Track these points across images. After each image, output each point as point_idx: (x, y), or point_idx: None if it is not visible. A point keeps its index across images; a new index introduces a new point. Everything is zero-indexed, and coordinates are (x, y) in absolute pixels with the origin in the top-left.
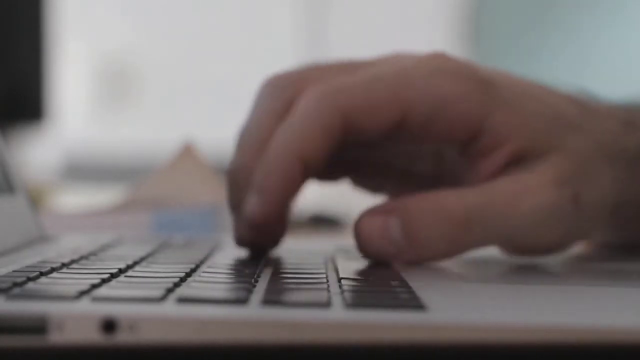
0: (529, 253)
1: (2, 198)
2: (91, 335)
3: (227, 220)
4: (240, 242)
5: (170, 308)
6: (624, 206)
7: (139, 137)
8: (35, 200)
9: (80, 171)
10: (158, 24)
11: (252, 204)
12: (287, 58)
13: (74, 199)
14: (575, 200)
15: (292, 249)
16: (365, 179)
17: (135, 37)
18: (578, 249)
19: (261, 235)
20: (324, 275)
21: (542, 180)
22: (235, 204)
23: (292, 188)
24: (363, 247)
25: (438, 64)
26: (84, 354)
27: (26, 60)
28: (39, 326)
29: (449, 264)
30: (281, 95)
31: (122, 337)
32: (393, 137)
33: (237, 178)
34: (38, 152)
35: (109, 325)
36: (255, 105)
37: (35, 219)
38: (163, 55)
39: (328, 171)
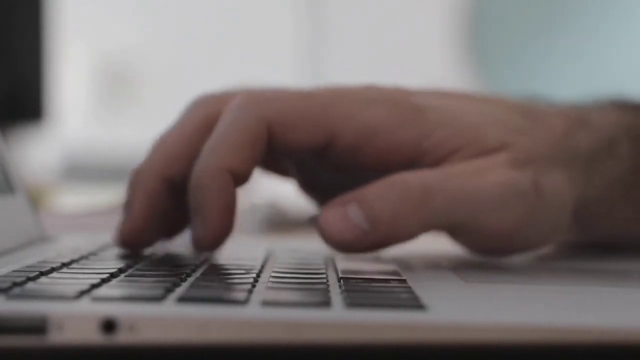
0: (492, 242)
1: (2, 198)
2: (91, 335)
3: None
4: (127, 245)
5: (170, 308)
6: (584, 207)
7: (139, 137)
8: (35, 200)
9: (80, 171)
10: (158, 24)
11: (197, 232)
12: (287, 59)
13: (74, 199)
14: (536, 187)
15: (292, 249)
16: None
17: (135, 38)
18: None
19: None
20: (324, 275)
21: (500, 162)
22: (126, 202)
23: (230, 204)
24: (328, 240)
25: (370, 93)
26: (84, 354)
27: (26, 60)
28: (39, 326)
29: (449, 264)
30: (202, 109)
31: (122, 337)
32: (323, 156)
33: (135, 178)
34: (38, 152)
35: (109, 325)
36: (175, 120)
37: (35, 219)
38: (163, 56)
39: (270, 168)
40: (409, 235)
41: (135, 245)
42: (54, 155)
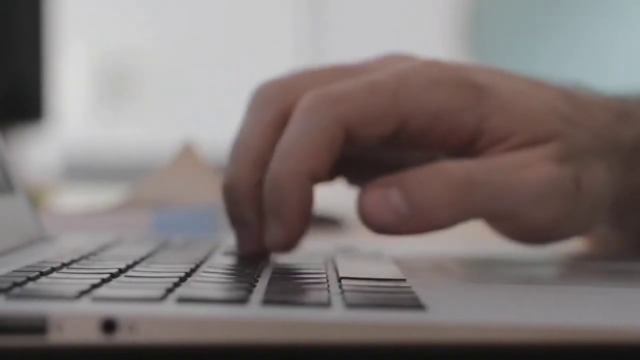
0: (530, 234)
1: (2, 198)
2: (91, 335)
3: (226, 220)
4: (248, 254)
5: (170, 308)
6: (623, 199)
7: (139, 137)
8: (35, 200)
9: (80, 171)
10: (158, 24)
11: (274, 234)
12: (288, 58)
13: (74, 199)
14: (577, 183)
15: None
16: (359, 177)
17: (135, 38)
18: (577, 246)
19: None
20: (324, 275)
21: (543, 156)
22: (236, 218)
23: (309, 207)
24: (368, 222)
25: (434, 73)
26: (84, 354)
27: (26, 60)
28: (39, 326)
29: (449, 264)
30: (274, 105)
31: (122, 337)
32: (389, 143)
33: (235, 193)
34: (38, 152)
35: (109, 325)
36: (247, 116)
37: (35, 219)
38: (163, 55)
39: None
40: (448, 224)
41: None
42: (54, 155)
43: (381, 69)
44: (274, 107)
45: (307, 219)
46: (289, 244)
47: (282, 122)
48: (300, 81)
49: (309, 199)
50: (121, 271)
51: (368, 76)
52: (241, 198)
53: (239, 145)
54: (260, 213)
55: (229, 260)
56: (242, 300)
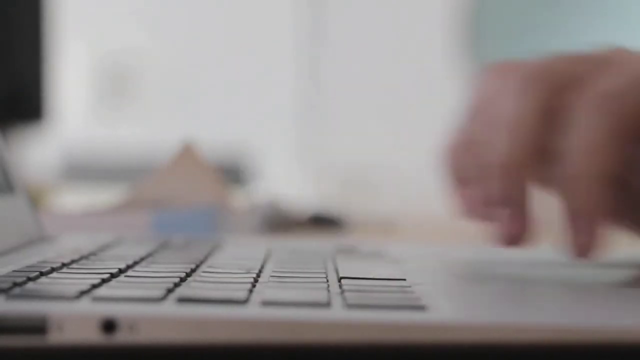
0: None
1: (2, 198)
2: (91, 335)
3: (226, 220)
4: (519, 244)
5: (170, 308)
6: None
7: (139, 137)
8: (35, 200)
9: (80, 171)
10: (158, 24)
11: (582, 237)
12: (288, 59)
13: (74, 199)
14: None
15: (292, 249)
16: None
17: (135, 38)
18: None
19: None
20: (324, 275)
21: None
22: (506, 197)
23: (605, 209)
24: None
25: None
26: (84, 354)
27: (26, 60)
28: (39, 326)
29: (449, 264)
30: (545, 91)
31: (122, 337)
32: None
33: (512, 173)
34: (38, 152)
35: (109, 325)
36: (516, 97)
37: (35, 219)
38: (163, 55)
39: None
40: None
41: (521, 242)
42: (54, 155)
43: (620, 62)
44: (546, 93)
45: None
46: (589, 247)
47: (550, 107)
48: (561, 69)
49: (607, 202)
50: (121, 271)
51: (626, 70)
52: (517, 179)
53: (514, 125)
54: (527, 196)
55: (229, 260)
56: (242, 300)
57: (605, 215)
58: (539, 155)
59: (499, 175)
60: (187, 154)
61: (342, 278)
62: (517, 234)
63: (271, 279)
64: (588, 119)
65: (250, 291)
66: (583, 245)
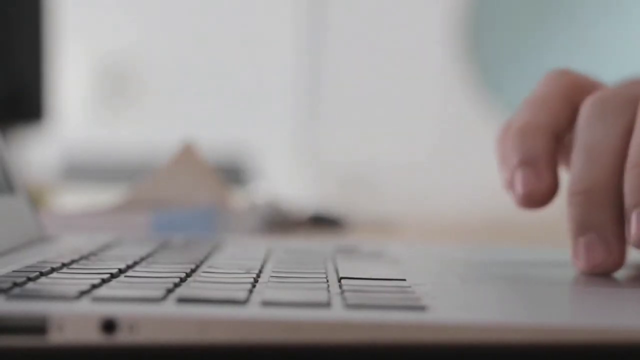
0: None
1: (2, 198)
2: (91, 336)
3: (226, 220)
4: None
5: (170, 308)
6: None
7: (138, 137)
8: (35, 200)
9: (80, 171)
10: (158, 24)
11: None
12: (287, 60)
13: (74, 199)
14: None
15: (292, 249)
16: None
17: (135, 38)
18: None
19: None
20: (324, 275)
21: None
22: (591, 222)
23: None
24: None
25: None
26: (84, 354)
27: (26, 60)
28: (39, 326)
29: (449, 264)
30: (625, 115)
31: (122, 337)
32: None
33: (596, 197)
34: (38, 152)
35: (109, 325)
36: (598, 123)
37: (35, 219)
38: (163, 55)
39: None
40: None
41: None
42: (54, 155)
43: None
44: (626, 117)
45: None
46: (613, 266)
47: (629, 131)
48: (635, 94)
49: None
50: (121, 271)
51: None
52: (604, 202)
53: (597, 149)
54: (621, 219)
55: (229, 260)
56: (242, 301)
57: None
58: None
59: (579, 202)
60: (187, 154)
61: (342, 278)
62: (598, 262)
63: (271, 279)
64: None
65: (250, 291)
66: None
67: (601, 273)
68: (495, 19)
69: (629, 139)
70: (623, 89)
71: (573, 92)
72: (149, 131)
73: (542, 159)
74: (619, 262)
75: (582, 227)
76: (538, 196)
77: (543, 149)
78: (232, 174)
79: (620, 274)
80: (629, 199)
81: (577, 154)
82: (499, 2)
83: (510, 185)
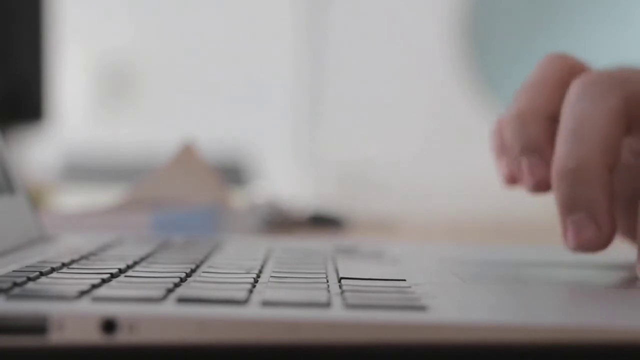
0: None
1: (2, 198)
2: (91, 335)
3: (226, 220)
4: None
5: (170, 308)
6: None
7: (138, 137)
8: (35, 200)
9: (80, 171)
10: (158, 24)
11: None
12: (287, 57)
13: (74, 199)
14: None
15: (292, 249)
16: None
17: (135, 38)
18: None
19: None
20: (324, 275)
21: None
22: (580, 200)
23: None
24: None
25: None
26: (84, 354)
27: (26, 60)
28: (39, 326)
29: (448, 264)
30: (617, 94)
31: (122, 337)
32: None
33: (585, 175)
34: (38, 152)
35: (109, 325)
36: (589, 103)
37: (35, 219)
38: (163, 56)
39: None
40: None
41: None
42: (54, 155)
43: None
44: (612, 98)
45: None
46: (605, 243)
47: (626, 110)
48: (627, 77)
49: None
50: (121, 271)
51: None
52: (592, 180)
53: (583, 128)
54: (610, 197)
55: (229, 260)
56: (242, 301)
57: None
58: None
59: (568, 180)
60: (187, 154)
61: (342, 278)
62: (586, 240)
63: (271, 279)
64: None
65: (250, 291)
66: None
67: (590, 251)
68: (494, 20)
69: (615, 118)
70: (610, 71)
71: (569, 75)
72: (149, 131)
73: (545, 144)
74: (608, 239)
75: (570, 205)
76: (548, 182)
77: (544, 133)
78: (232, 174)
79: (620, 275)
80: None
81: (563, 133)
82: (498, 2)
83: (510, 178)
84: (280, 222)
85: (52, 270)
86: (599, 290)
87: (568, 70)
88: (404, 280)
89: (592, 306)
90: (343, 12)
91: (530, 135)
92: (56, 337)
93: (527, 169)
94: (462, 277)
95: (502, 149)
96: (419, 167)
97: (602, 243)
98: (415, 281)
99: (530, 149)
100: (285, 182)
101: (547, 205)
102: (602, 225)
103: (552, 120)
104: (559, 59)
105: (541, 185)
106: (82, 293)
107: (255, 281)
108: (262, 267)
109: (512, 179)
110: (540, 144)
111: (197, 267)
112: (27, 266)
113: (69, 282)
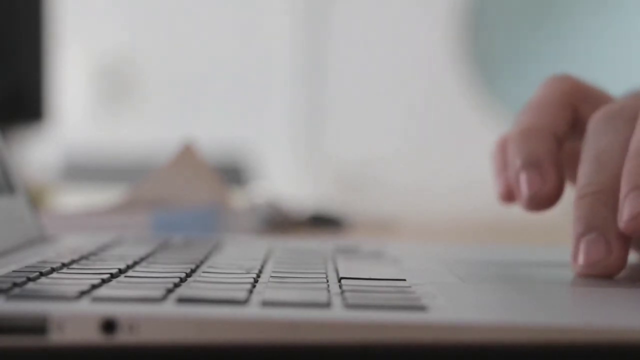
0: None
1: (2, 198)
2: (91, 335)
3: (226, 220)
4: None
5: (170, 308)
6: None
7: (138, 137)
8: (35, 200)
9: (80, 171)
10: (158, 24)
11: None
12: (285, 58)
13: (74, 199)
14: None
15: (292, 249)
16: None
17: (135, 38)
18: None
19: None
20: (324, 275)
21: None
22: (599, 223)
23: None
24: None
25: None
26: (84, 354)
27: (26, 60)
28: (39, 326)
29: (448, 264)
30: (630, 129)
31: (122, 337)
32: None
33: (604, 197)
34: (38, 152)
35: (109, 325)
36: (607, 134)
37: (35, 219)
38: (163, 56)
39: None
40: None
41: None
42: (54, 155)
43: None
44: (632, 128)
45: None
46: (613, 266)
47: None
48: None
49: None
50: (121, 271)
51: None
52: (607, 203)
53: (604, 156)
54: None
55: (229, 260)
56: (242, 301)
57: None
58: None
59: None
60: (187, 154)
61: (342, 278)
62: (544, 193)
63: (271, 279)
64: None
65: (250, 291)
66: None
67: (599, 274)
68: (494, 19)
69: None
70: (629, 102)
71: (572, 96)
72: (149, 131)
73: (546, 160)
74: (619, 263)
75: (586, 227)
76: (544, 197)
77: (546, 150)
78: (232, 174)
79: (620, 274)
80: (623, 187)
81: (585, 162)
82: (498, 2)
83: (506, 195)
84: (280, 222)
85: (52, 270)
86: (599, 290)
87: (572, 92)
88: (404, 280)
89: (592, 306)
90: (343, 13)
91: (532, 150)
92: (56, 337)
93: (524, 182)
94: (462, 277)
95: (503, 167)
96: (419, 167)
97: (611, 265)
98: (415, 281)
99: (530, 163)
100: (285, 182)
101: (553, 207)
102: (614, 247)
103: (556, 139)
104: (562, 80)
105: (536, 200)
106: (82, 293)
107: (255, 281)
108: (262, 267)
109: (509, 196)
110: (541, 160)
111: (197, 267)
112: (27, 266)
113: (69, 282)
